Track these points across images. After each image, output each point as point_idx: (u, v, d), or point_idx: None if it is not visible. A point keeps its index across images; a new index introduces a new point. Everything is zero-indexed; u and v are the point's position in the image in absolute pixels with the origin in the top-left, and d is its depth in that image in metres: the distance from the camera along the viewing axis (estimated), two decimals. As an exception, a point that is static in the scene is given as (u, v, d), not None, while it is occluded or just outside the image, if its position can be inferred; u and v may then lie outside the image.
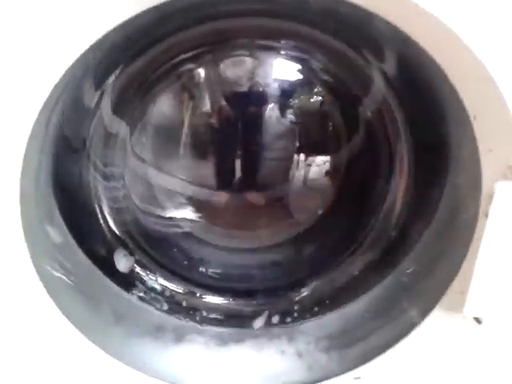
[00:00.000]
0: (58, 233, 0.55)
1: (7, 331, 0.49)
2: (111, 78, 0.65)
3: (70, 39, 0.44)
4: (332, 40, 0.65)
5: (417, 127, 0.64)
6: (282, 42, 0.68)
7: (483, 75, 0.43)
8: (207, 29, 0.66)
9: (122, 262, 0.64)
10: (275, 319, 0.65)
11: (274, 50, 0.73)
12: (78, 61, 0.46)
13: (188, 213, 0.75)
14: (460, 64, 0.45)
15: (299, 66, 0.74)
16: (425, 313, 0.54)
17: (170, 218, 0.73)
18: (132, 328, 0.59)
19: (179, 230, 0.73)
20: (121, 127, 0.69)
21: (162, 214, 0.73)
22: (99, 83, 0.65)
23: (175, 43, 0.67)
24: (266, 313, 0.65)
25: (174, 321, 0.63)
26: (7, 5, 0.40)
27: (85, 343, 0.53)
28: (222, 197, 0.78)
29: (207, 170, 0.77)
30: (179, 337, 0.62)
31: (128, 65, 0.66)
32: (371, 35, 0.55)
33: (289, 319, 0.65)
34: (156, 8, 0.68)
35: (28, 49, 0.42)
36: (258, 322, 0.65)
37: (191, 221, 0.75)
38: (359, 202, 0.72)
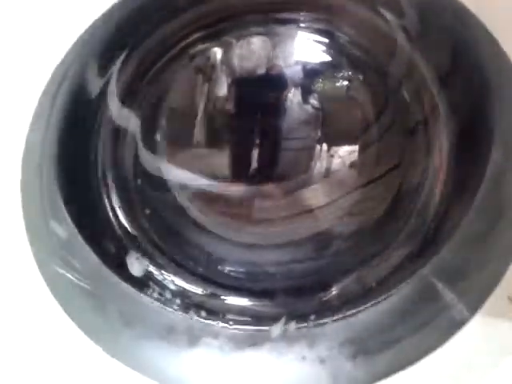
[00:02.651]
0: (63, 228, 0.52)
1: (9, 333, 0.46)
2: (117, 62, 0.61)
3: (70, 17, 0.41)
4: (351, 4, 0.61)
5: (456, 104, 0.60)
6: (302, 13, 0.64)
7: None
8: (220, 3, 0.63)
9: (135, 266, 0.61)
10: (295, 321, 0.62)
11: (293, 24, 0.69)
12: (79, 42, 0.43)
13: (202, 206, 0.71)
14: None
15: (324, 40, 0.69)
16: (474, 308, 0.50)
17: (184, 210, 0.70)
18: (142, 331, 0.56)
19: (194, 225, 0.70)
20: (130, 119, 0.66)
21: (176, 205, 0.70)
22: (104, 68, 0.61)
23: (186, 21, 0.64)
24: (285, 315, 0.62)
25: (187, 323, 0.60)
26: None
27: (91, 347, 0.50)
28: (237, 189, 0.74)
29: (222, 160, 0.74)
30: (193, 340, 0.58)
31: (136, 46, 0.63)
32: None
33: (310, 321, 0.62)
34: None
35: (26, 29, 0.39)
36: (277, 325, 0.62)
37: (206, 213, 0.71)
38: (391, 194, 0.68)
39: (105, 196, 0.62)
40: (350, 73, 0.71)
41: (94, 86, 0.56)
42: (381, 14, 0.60)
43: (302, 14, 0.65)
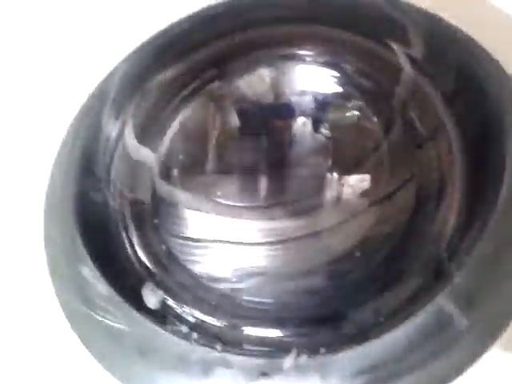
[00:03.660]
0: (83, 265, 0.54)
1: (26, 362, 0.48)
2: (132, 104, 0.64)
3: (90, 61, 0.44)
4: (352, 36, 0.63)
5: (466, 129, 0.61)
6: (307, 47, 0.67)
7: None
8: (230, 42, 0.66)
9: (151, 298, 0.62)
10: (308, 352, 0.62)
11: (299, 58, 0.71)
12: (97, 87, 0.46)
13: (215, 233, 0.73)
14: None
15: (331, 72, 0.71)
16: (491, 337, 0.50)
17: (199, 240, 0.72)
18: (156, 361, 0.57)
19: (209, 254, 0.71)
20: (146, 154, 0.69)
21: (191, 237, 0.72)
22: (119, 111, 0.64)
23: (196, 61, 0.67)
24: (298, 345, 0.63)
25: (199, 352, 0.60)
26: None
27: (107, 377, 0.51)
28: (247, 215, 0.75)
29: (233, 187, 0.75)
30: (206, 370, 0.59)
31: (149, 87, 0.66)
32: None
33: (323, 352, 0.62)
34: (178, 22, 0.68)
35: (43, 82, 0.42)
36: (290, 355, 0.62)
37: (219, 241, 0.73)
38: (404, 223, 0.69)
39: (123, 232, 0.64)
40: (359, 102, 0.73)
41: (111, 127, 0.59)
42: (387, 45, 0.63)
43: (307, 48, 0.67)
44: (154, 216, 0.70)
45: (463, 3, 0.40)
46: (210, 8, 0.73)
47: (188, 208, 0.73)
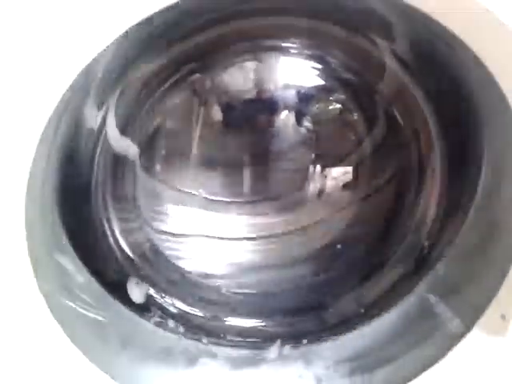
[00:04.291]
0: (66, 258, 0.53)
1: (10, 355, 0.48)
2: (114, 95, 0.64)
3: (69, 53, 0.44)
4: (338, 29, 0.64)
5: (446, 125, 0.63)
6: (290, 40, 0.68)
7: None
8: (213, 34, 0.66)
9: (136, 292, 0.62)
10: (292, 341, 0.63)
11: (283, 50, 0.72)
12: (79, 76, 0.45)
13: (199, 227, 0.73)
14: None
15: (315, 65, 0.72)
16: (470, 323, 0.51)
17: (183, 235, 0.72)
18: (140, 352, 0.57)
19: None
20: (129, 147, 0.69)
21: (175, 232, 0.72)
22: (101, 102, 0.64)
23: (179, 53, 0.67)
24: (282, 335, 0.63)
25: (185, 343, 0.61)
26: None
27: (91, 369, 0.51)
28: (232, 209, 0.76)
29: (217, 181, 0.76)
30: (191, 360, 0.60)
31: (131, 78, 0.66)
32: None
33: (307, 341, 0.63)
34: (160, 13, 0.67)
35: (25, 70, 0.42)
36: (274, 345, 0.63)
37: (204, 236, 0.73)
38: (385, 215, 0.71)
39: (106, 223, 0.64)
40: (342, 96, 0.74)
41: (93, 118, 0.58)
42: (371, 39, 0.63)
43: (291, 40, 0.68)
44: (136, 210, 0.70)
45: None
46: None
47: (171, 203, 0.73)
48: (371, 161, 0.74)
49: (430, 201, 0.65)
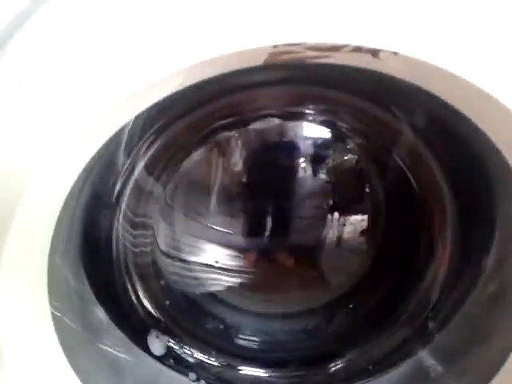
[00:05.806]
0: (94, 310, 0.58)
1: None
2: (143, 148, 0.68)
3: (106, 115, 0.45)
4: (358, 100, 0.65)
5: (460, 190, 0.63)
6: (309, 107, 0.69)
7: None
8: (238, 98, 0.68)
9: (156, 344, 0.66)
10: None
11: (301, 115, 0.73)
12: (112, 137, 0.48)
13: (216, 274, 0.78)
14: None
15: (328, 129, 0.74)
16: None
17: (198, 279, 0.77)
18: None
19: (209, 295, 0.76)
20: (155, 186, 0.73)
21: (191, 275, 0.77)
22: (131, 152, 0.68)
23: (207, 113, 0.70)
24: None
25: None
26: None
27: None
28: (249, 257, 0.80)
29: (235, 229, 0.80)
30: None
31: (160, 135, 0.70)
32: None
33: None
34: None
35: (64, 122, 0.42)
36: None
37: (219, 281, 0.78)
38: (399, 270, 0.72)
39: (127, 279, 0.68)
40: (358, 148, 0.75)
41: (122, 164, 0.62)
42: (390, 111, 0.63)
43: (307, 106, 0.69)
44: (156, 267, 0.73)
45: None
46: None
47: (191, 254, 0.78)
48: (386, 210, 0.75)
49: (441, 263, 0.66)
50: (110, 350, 0.61)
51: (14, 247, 0.41)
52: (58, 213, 0.46)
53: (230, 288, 0.77)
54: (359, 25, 0.37)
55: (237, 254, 0.79)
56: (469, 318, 0.60)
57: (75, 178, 0.45)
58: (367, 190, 0.77)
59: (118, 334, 0.63)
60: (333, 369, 0.68)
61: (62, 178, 0.44)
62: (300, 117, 0.72)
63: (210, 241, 0.79)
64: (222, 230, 0.79)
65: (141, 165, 0.70)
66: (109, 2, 0.36)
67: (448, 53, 0.38)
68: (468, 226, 0.62)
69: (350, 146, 0.75)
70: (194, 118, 0.70)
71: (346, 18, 0.37)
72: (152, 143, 0.70)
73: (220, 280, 0.77)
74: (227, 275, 0.78)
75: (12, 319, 0.44)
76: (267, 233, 0.80)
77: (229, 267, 0.78)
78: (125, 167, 0.67)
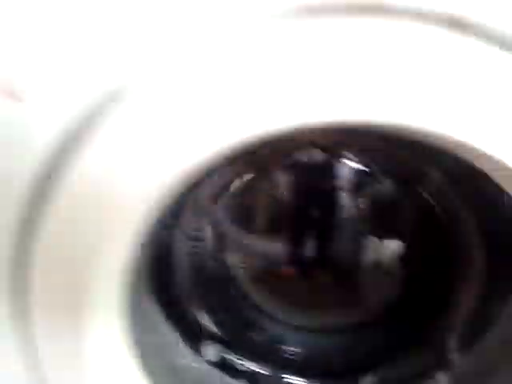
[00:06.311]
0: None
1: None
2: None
3: None
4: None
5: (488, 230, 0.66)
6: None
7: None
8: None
9: (210, 351, 0.72)
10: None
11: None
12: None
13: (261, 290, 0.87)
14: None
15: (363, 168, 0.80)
16: None
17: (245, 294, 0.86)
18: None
19: (255, 308, 0.86)
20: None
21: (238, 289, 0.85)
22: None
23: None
24: None
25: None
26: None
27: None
28: (289, 273, 0.88)
29: (279, 248, 0.86)
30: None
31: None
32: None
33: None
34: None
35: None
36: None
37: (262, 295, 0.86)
38: (431, 296, 0.77)
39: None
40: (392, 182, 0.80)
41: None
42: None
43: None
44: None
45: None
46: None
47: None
48: (421, 239, 0.80)
49: (468, 298, 0.70)
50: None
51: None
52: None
53: (274, 303, 0.86)
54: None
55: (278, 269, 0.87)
56: (485, 354, 0.64)
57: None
58: (405, 220, 0.81)
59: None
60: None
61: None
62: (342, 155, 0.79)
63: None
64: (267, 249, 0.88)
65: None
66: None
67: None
68: (496, 261, 0.66)
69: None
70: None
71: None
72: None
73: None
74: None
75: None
76: (309, 254, 0.87)
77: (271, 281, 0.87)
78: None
